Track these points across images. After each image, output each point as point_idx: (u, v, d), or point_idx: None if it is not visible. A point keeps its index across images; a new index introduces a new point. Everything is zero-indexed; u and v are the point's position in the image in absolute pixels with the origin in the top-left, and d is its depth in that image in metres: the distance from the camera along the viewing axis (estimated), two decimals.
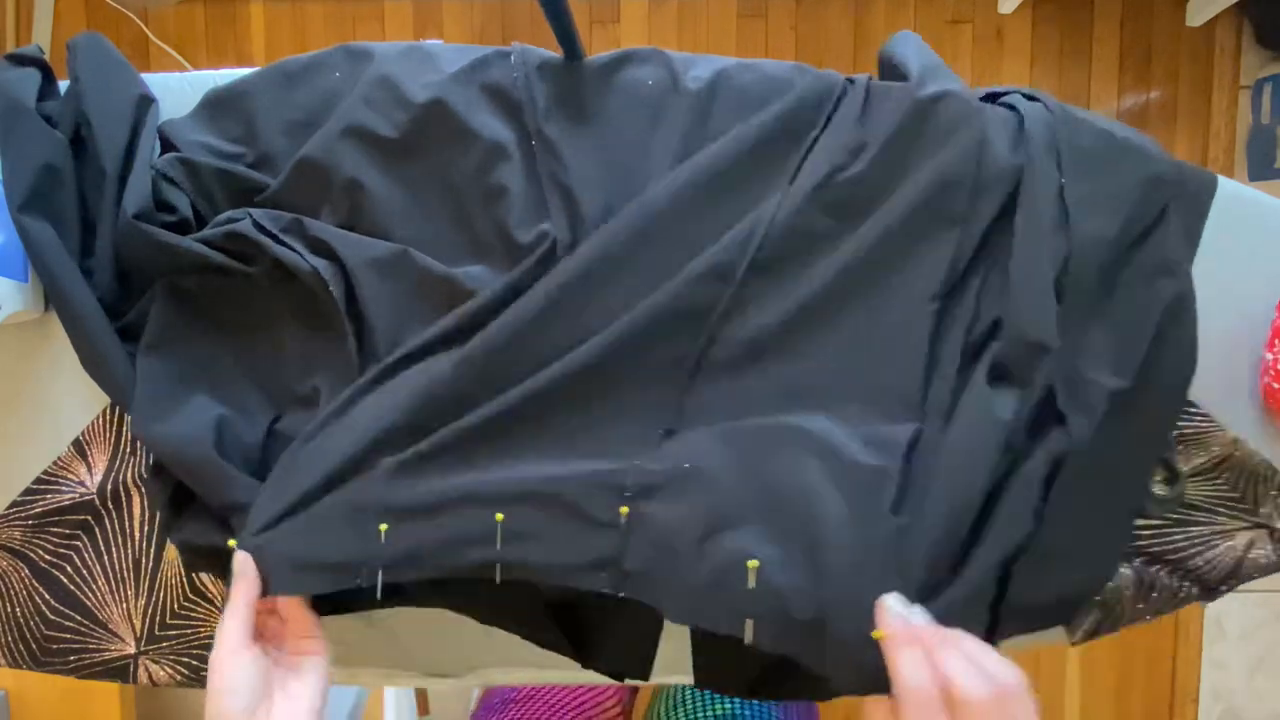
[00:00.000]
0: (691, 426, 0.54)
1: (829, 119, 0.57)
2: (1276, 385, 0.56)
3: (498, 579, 0.51)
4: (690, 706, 0.85)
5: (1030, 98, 0.57)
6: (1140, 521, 0.57)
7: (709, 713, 0.84)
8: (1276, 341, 0.57)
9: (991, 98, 0.59)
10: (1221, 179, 0.60)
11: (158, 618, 0.59)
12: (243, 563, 0.49)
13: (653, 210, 0.55)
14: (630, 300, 0.54)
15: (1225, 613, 1.67)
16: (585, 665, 0.60)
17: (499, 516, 0.51)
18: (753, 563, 0.47)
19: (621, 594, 0.51)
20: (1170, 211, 0.54)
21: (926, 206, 0.53)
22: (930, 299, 0.53)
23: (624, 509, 0.51)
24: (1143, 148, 0.56)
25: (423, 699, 1.33)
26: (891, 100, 0.56)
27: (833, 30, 1.68)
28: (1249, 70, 1.65)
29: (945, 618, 0.45)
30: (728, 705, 0.84)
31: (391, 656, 0.60)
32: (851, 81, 0.58)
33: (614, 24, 1.65)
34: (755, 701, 0.83)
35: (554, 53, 0.60)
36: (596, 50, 0.58)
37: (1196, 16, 1.63)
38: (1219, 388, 0.59)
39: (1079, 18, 1.67)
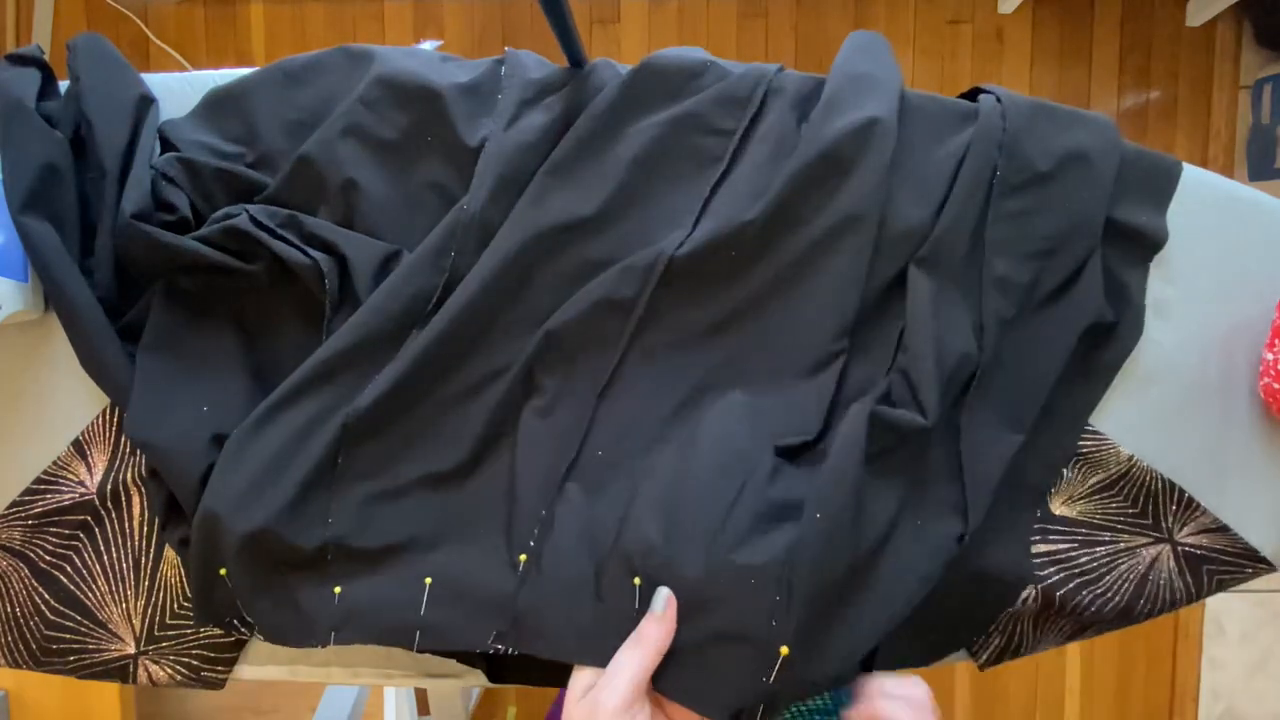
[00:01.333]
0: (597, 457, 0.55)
1: (745, 136, 0.57)
2: (1277, 385, 0.56)
3: (415, 648, 0.52)
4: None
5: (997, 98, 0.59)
6: (1046, 548, 0.58)
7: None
8: (1276, 341, 0.57)
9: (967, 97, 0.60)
10: (1221, 179, 0.60)
11: (158, 618, 0.59)
12: (668, 603, 0.47)
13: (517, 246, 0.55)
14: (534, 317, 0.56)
15: (1225, 613, 1.67)
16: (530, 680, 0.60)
17: (428, 580, 0.53)
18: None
19: (513, 650, 0.52)
20: (1095, 255, 0.56)
21: (827, 244, 0.55)
22: (837, 336, 0.54)
23: (523, 556, 0.52)
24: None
25: (423, 699, 1.33)
26: (802, 140, 0.56)
27: (833, 30, 1.68)
28: (1249, 70, 1.65)
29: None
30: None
31: (391, 656, 0.60)
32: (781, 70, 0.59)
33: (614, 24, 1.65)
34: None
35: (546, 58, 0.60)
36: (597, 51, 0.58)
37: (1196, 16, 1.63)
38: (1219, 388, 0.59)
39: (1079, 18, 1.67)
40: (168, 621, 0.59)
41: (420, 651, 0.53)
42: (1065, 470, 0.58)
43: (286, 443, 0.53)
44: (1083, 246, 0.56)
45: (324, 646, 0.52)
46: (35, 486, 0.59)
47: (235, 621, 0.56)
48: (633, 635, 0.46)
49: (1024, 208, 0.56)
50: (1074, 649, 1.68)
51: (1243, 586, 0.60)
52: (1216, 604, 1.68)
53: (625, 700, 0.43)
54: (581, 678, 0.47)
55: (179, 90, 0.61)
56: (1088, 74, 1.68)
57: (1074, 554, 0.58)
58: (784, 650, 0.46)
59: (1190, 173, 0.59)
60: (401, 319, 0.55)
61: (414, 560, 0.54)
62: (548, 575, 0.51)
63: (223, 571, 0.53)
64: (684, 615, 0.47)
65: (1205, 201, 0.59)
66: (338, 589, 0.53)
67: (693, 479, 0.50)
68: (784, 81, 0.58)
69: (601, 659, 0.47)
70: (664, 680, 0.47)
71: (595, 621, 0.49)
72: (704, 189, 0.56)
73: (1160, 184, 0.58)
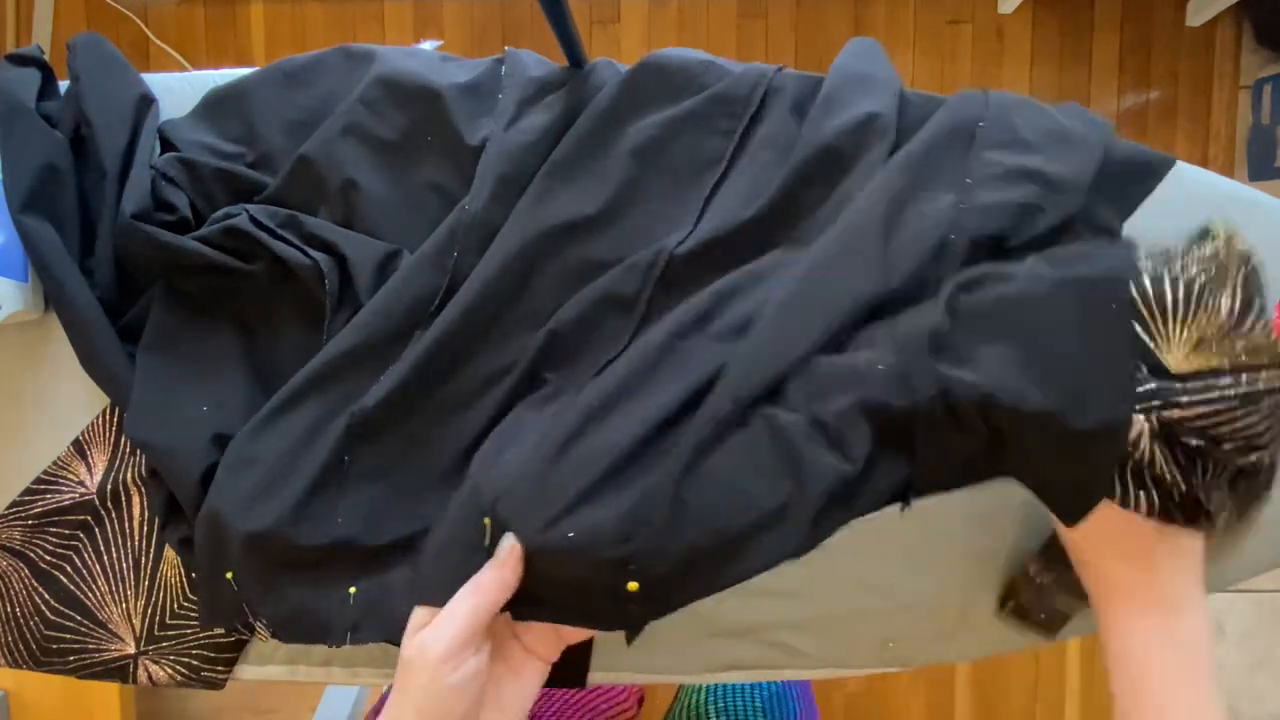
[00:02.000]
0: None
1: (745, 136, 0.57)
2: None
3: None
4: (723, 705, 0.84)
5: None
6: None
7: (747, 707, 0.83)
8: None
9: None
10: (1221, 179, 0.60)
11: (157, 618, 0.59)
12: (510, 553, 0.44)
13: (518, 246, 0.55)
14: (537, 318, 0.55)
15: (1225, 613, 1.67)
16: None
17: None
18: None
19: None
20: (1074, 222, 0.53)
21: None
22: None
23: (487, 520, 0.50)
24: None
25: None
26: (801, 138, 0.55)
27: (833, 30, 1.68)
28: (1249, 70, 1.65)
29: None
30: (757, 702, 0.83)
31: (391, 656, 0.60)
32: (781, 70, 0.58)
33: (614, 24, 1.65)
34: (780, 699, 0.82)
35: (547, 58, 0.60)
36: (597, 51, 0.58)
37: (1196, 16, 1.64)
38: None
39: (1079, 18, 1.67)
40: (168, 621, 0.59)
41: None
42: None
43: (292, 444, 0.53)
44: (1060, 210, 0.52)
45: (339, 646, 0.52)
46: (35, 486, 0.59)
47: (240, 625, 0.56)
48: (470, 581, 0.45)
49: (1004, 161, 0.53)
50: (1074, 649, 1.68)
51: (1242, 586, 0.59)
52: (1216, 604, 1.68)
53: (451, 649, 0.43)
54: (418, 615, 0.45)
55: (179, 90, 0.61)
56: (1088, 74, 1.68)
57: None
58: (632, 586, 0.44)
59: (1190, 173, 0.59)
60: (405, 320, 0.55)
61: (417, 555, 0.54)
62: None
63: (229, 575, 0.53)
64: (531, 566, 0.45)
65: (1205, 201, 0.59)
66: (353, 590, 0.53)
67: (565, 429, 0.48)
68: (783, 81, 0.58)
69: (445, 598, 0.45)
70: (521, 609, 0.47)
71: (446, 556, 0.48)
72: (704, 188, 0.56)
73: (1138, 183, 0.56)
